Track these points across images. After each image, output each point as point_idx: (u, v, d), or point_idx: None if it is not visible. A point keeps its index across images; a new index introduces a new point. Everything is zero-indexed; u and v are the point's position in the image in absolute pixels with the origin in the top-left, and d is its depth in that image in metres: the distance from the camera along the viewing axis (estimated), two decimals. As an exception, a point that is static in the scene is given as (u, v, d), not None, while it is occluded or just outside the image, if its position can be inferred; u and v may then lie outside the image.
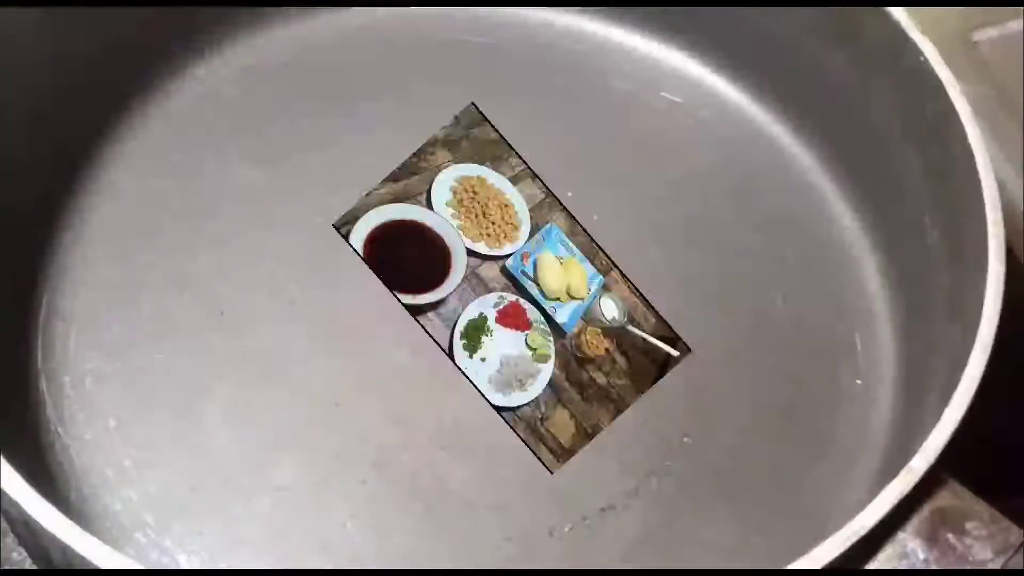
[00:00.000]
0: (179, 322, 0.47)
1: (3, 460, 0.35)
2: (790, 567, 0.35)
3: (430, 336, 0.48)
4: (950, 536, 0.38)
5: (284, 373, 0.46)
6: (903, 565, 0.37)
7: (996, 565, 0.37)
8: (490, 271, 0.50)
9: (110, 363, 0.46)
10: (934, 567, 0.38)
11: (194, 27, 0.54)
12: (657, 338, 0.48)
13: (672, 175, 0.54)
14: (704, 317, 0.50)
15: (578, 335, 0.49)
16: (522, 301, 0.49)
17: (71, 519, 0.34)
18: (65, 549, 0.34)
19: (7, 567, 0.45)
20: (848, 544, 0.35)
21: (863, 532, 0.35)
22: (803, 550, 0.35)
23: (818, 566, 0.35)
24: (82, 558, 0.34)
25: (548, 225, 0.51)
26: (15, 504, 0.34)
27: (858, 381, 0.49)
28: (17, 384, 0.45)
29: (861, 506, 0.37)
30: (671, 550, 0.44)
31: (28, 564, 0.45)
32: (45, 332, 0.47)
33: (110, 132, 0.52)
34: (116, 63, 0.51)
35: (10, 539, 0.45)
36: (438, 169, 0.52)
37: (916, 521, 0.38)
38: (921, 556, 0.38)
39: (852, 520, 0.36)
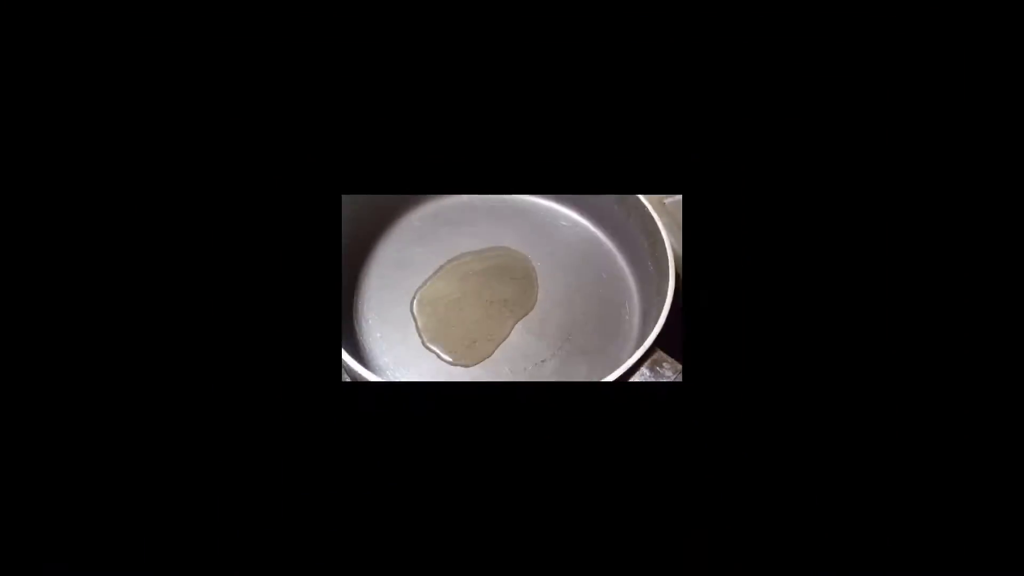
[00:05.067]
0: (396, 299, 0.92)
1: (344, 353, 0.79)
2: (606, 379, 0.78)
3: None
4: (658, 368, 0.82)
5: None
6: (639, 377, 0.81)
7: (676, 379, 0.79)
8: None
9: (378, 315, 0.93)
10: (651, 379, 0.80)
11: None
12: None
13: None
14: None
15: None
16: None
17: (367, 368, 0.79)
18: (357, 377, 0.80)
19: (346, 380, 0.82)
20: (626, 368, 0.80)
21: (630, 364, 0.80)
22: (612, 370, 0.81)
23: (617, 375, 0.79)
24: (365, 379, 0.79)
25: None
26: (347, 366, 0.79)
27: (627, 316, 0.98)
28: (349, 320, 0.94)
29: (630, 356, 0.82)
30: (567, 376, 0.89)
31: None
32: (355, 304, 0.96)
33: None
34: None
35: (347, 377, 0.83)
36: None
37: (648, 362, 0.81)
38: (648, 374, 0.81)
39: (627, 359, 0.81)
